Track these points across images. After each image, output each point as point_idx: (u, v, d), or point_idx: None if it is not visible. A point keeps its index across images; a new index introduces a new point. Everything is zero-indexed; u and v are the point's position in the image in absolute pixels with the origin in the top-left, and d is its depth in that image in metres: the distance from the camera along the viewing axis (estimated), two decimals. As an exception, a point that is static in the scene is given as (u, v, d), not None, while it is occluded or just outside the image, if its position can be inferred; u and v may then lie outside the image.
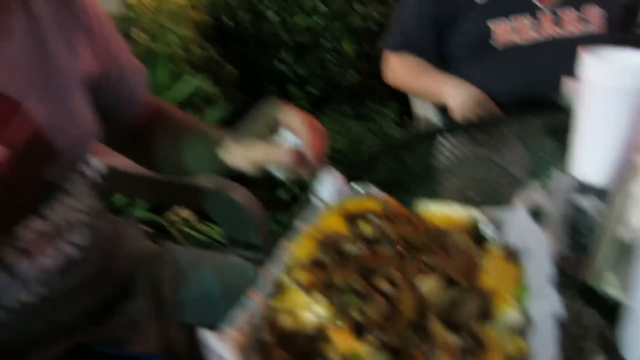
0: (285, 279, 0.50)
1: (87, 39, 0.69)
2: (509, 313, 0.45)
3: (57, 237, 0.67)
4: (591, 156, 0.82)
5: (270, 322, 0.45)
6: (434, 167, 0.96)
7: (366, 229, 0.56)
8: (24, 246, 0.63)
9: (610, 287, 0.57)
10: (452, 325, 0.42)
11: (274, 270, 0.51)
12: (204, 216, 1.81)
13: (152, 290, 0.83)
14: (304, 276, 0.48)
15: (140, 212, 1.68)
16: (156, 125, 0.84)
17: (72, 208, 0.70)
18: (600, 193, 0.77)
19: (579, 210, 0.74)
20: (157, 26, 1.96)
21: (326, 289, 0.47)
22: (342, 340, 0.43)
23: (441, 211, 0.61)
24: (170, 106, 0.89)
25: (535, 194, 0.64)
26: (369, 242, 0.54)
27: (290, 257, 0.52)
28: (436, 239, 0.55)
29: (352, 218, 0.57)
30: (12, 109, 0.59)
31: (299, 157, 0.60)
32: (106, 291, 0.77)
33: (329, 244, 0.53)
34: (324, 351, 0.43)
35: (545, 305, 0.43)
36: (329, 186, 0.63)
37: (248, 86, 2.47)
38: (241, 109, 2.33)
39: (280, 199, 2.02)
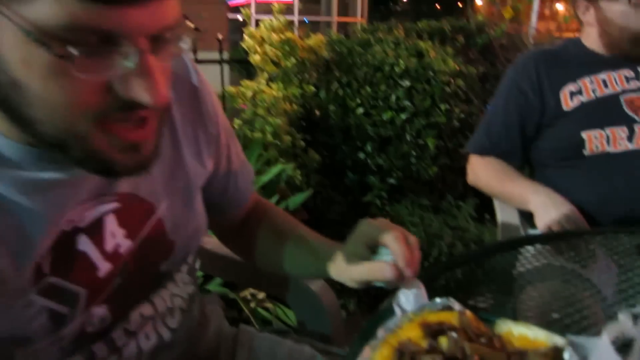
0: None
1: (212, 147, 0.77)
2: None
3: (158, 321, 0.73)
4: None
5: None
6: (514, 277, 0.95)
7: (444, 343, 0.57)
8: (131, 329, 0.70)
9: None
10: None
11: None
12: (275, 297, 1.86)
13: None
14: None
15: (215, 286, 1.76)
16: (259, 222, 0.90)
17: (175, 294, 0.76)
18: None
19: None
20: (253, 115, 2.14)
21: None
22: None
23: (523, 333, 0.61)
24: (274, 206, 0.96)
25: (625, 325, 0.62)
26: (446, 358, 0.55)
27: (369, 364, 0.55)
28: (513, 358, 0.55)
29: (431, 330, 0.59)
30: (150, 212, 0.67)
31: (399, 272, 0.64)
32: None
33: (407, 354, 0.54)
34: None
35: None
36: (411, 296, 0.65)
37: (330, 173, 2.58)
38: (321, 193, 2.44)
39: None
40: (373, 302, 2.18)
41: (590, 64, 1.35)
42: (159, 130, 0.57)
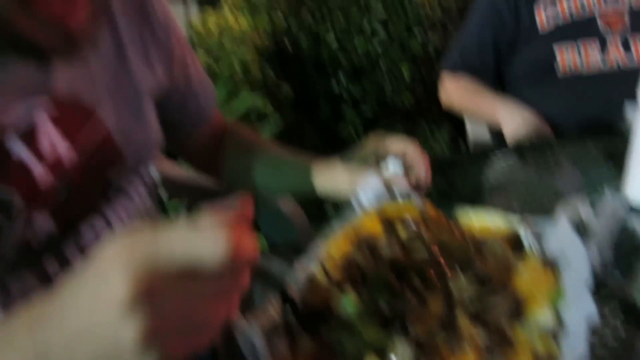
0: (318, 274, 0.51)
1: (163, 54, 0.74)
2: (540, 315, 0.44)
3: None
4: None
5: (300, 305, 0.47)
6: (482, 187, 0.95)
7: (402, 232, 0.56)
8: (84, 243, 0.68)
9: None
10: (481, 323, 0.42)
11: (308, 265, 0.52)
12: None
13: None
14: (336, 272, 0.50)
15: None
16: (225, 141, 0.88)
17: (129, 209, 0.75)
18: None
19: (627, 231, 0.72)
20: (220, 48, 2.06)
21: (357, 286, 0.48)
22: (369, 331, 0.44)
23: (481, 220, 0.61)
24: (242, 125, 0.94)
25: (579, 205, 0.63)
26: (404, 246, 0.54)
27: (324, 254, 0.54)
28: (473, 245, 0.55)
29: (389, 222, 0.58)
30: (85, 117, 0.63)
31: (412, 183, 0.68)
32: None
33: (364, 244, 0.54)
34: (350, 340, 0.44)
35: (580, 311, 0.42)
36: (369, 190, 0.64)
37: (303, 106, 2.53)
38: (295, 128, 2.40)
39: (327, 213, 2.03)
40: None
41: None
42: (90, 8, 0.53)
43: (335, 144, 2.52)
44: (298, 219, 1.05)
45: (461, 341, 0.42)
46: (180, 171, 1.16)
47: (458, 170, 0.98)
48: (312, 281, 0.50)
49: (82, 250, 0.68)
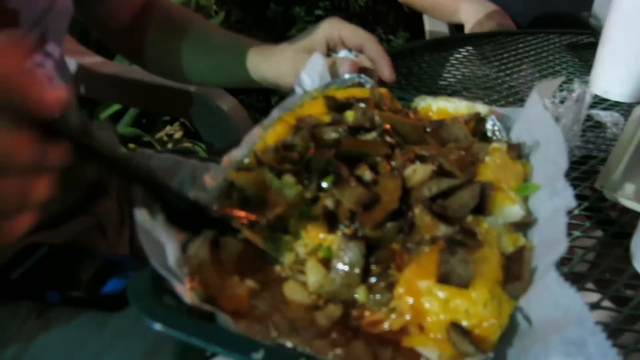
0: (249, 162, 0.42)
1: None
2: (508, 208, 0.38)
3: None
4: (615, 71, 0.79)
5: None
6: (439, 80, 0.87)
7: (350, 116, 0.48)
8: None
9: (626, 199, 0.50)
10: (442, 218, 0.35)
11: (237, 154, 0.43)
12: (192, 135, 1.74)
13: (122, 194, 0.77)
14: (270, 157, 0.41)
15: (126, 128, 1.61)
16: (150, 17, 0.76)
17: None
18: (620, 108, 0.75)
19: (595, 123, 0.68)
20: None
21: (296, 172, 0.40)
22: (310, 230, 0.36)
23: (442, 107, 0.53)
24: (174, 3, 0.81)
25: (554, 87, 0.56)
26: (352, 130, 0.46)
27: (258, 142, 0.45)
28: (431, 129, 0.47)
29: (335, 105, 0.49)
30: None
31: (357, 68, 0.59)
32: (73, 193, 0.70)
33: (304, 128, 0.45)
34: (289, 242, 0.36)
35: (557, 200, 0.36)
36: (314, 72, 0.55)
37: (250, 5, 2.33)
38: (239, 27, 2.21)
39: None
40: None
41: None
42: None
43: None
44: (239, 118, 0.95)
45: (418, 238, 0.35)
46: (106, 64, 1.01)
47: (412, 62, 0.90)
48: (238, 167, 0.41)
49: None
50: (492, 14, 1.17)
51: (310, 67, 0.55)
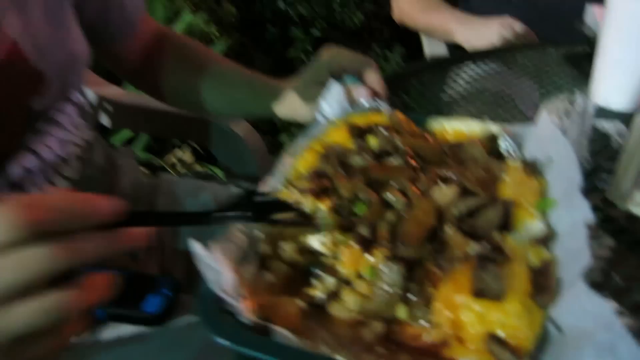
0: (285, 191, 0.45)
1: None
2: (530, 224, 0.41)
3: (49, 171, 0.63)
4: (614, 81, 0.80)
5: (269, 235, 0.41)
6: (440, 98, 0.91)
7: (373, 141, 0.51)
8: (14, 182, 0.59)
9: (637, 207, 0.53)
10: (472, 236, 0.38)
11: (273, 183, 0.46)
12: (202, 158, 1.77)
13: None
14: (305, 185, 0.44)
15: (139, 152, 1.64)
16: (167, 53, 0.79)
17: (64, 141, 0.65)
18: (622, 117, 0.76)
19: (598, 131, 0.71)
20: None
21: (329, 199, 0.43)
22: (351, 254, 0.39)
23: (455, 127, 0.56)
24: (185, 36, 0.84)
25: (558, 113, 0.59)
26: (376, 155, 0.49)
27: (290, 171, 0.48)
28: (450, 151, 0.50)
29: (358, 131, 0.52)
30: None
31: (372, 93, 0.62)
32: None
33: (333, 156, 0.48)
34: (331, 267, 0.39)
35: (574, 214, 0.39)
36: (332, 101, 0.58)
37: (248, 27, 2.37)
38: (239, 50, 2.26)
39: (282, 143, 1.97)
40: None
41: None
42: None
43: (283, 66, 2.41)
44: (254, 144, 0.98)
45: (450, 256, 0.38)
46: (126, 95, 1.05)
47: (415, 82, 0.93)
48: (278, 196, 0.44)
49: (14, 187, 0.59)
50: (486, 28, 1.18)
51: (329, 95, 0.59)
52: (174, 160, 1.76)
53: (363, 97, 0.58)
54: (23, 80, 0.57)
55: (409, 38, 1.61)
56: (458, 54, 1.35)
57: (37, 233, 0.31)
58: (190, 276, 0.74)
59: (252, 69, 0.79)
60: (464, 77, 0.97)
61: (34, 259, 0.31)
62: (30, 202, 0.32)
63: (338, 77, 0.63)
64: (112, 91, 1.03)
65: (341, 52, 0.65)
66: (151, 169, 1.64)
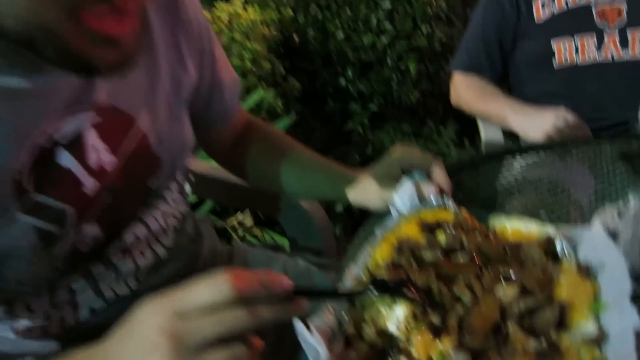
0: (365, 279, 0.53)
1: (194, 50, 0.73)
2: (584, 324, 0.46)
3: (152, 241, 0.73)
4: None
5: (353, 317, 0.49)
6: (497, 188, 0.96)
7: (441, 237, 0.58)
8: (126, 247, 0.70)
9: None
10: (531, 332, 0.44)
11: (355, 271, 0.54)
12: (260, 222, 1.88)
13: None
14: (384, 274, 0.52)
15: (203, 214, 1.76)
16: (253, 139, 0.89)
17: (167, 213, 0.76)
18: None
19: None
20: (230, 41, 2.06)
21: (406, 290, 0.50)
22: (423, 340, 0.46)
23: (515, 226, 0.63)
24: (269, 125, 0.95)
25: (612, 215, 0.65)
26: (445, 251, 0.56)
27: (369, 260, 0.56)
28: (510, 251, 0.57)
29: (427, 227, 0.60)
30: (126, 125, 0.64)
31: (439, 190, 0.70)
32: None
33: (406, 249, 0.56)
34: (406, 349, 0.46)
35: (624, 319, 0.44)
36: (406, 198, 0.66)
37: (310, 101, 2.54)
38: (300, 121, 2.41)
39: (336, 212, 2.06)
40: (357, 225, 2.22)
41: None
42: (139, 24, 0.52)
43: (340, 137, 2.54)
44: (319, 218, 1.07)
45: (511, 349, 0.44)
46: (205, 167, 1.17)
47: (469, 174, 0.98)
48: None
49: (125, 252, 0.69)
50: (540, 118, 1.18)
51: (402, 191, 0.67)
52: (234, 222, 1.88)
53: (432, 194, 0.66)
54: (145, 164, 0.68)
55: (462, 116, 1.69)
56: (512, 144, 1.41)
57: (239, 299, 0.41)
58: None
59: (311, 138, 0.89)
60: (518, 167, 1.01)
61: (233, 318, 0.41)
62: (240, 275, 0.43)
63: (408, 172, 0.71)
64: (197, 164, 1.16)
65: (411, 150, 0.74)
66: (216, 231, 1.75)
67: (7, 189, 0.53)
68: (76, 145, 0.59)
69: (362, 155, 2.50)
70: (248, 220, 1.83)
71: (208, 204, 1.74)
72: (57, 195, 0.57)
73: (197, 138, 0.83)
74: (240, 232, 1.85)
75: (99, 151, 0.61)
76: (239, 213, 1.89)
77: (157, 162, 0.69)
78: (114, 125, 0.62)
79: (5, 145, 0.52)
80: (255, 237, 1.89)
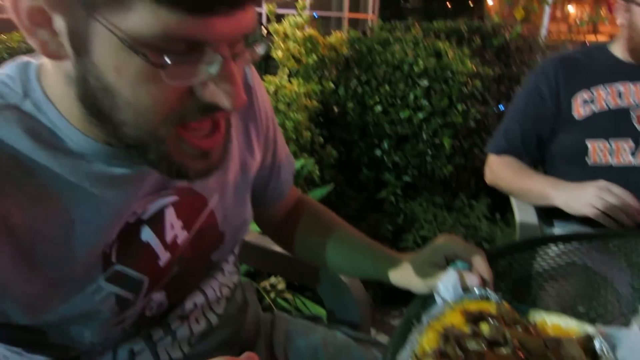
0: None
1: (261, 138, 0.81)
2: None
3: (206, 309, 0.79)
4: None
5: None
6: (532, 274, 0.97)
7: (485, 329, 0.62)
8: (184, 314, 0.75)
9: None
10: None
11: (404, 356, 0.58)
12: (293, 287, 1.91)
13: (268, 354, 0.92)
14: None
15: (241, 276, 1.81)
16: (302, 216, 0.95)
17: (223, 284, 0.82)
18: None
19: None
20: (275, 111, 2.19)
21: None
22: None
23: (554, 321, 0.66)
24: (319, 204, 1.01)
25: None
26: (488, 342, 0.60)
27: (417, 347, 0.60)
28: (550, 346, 0.60)
29: (472, 317, 0.64)
30: (200, 207, 0.71)
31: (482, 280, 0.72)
32: (234, 354, 0.86)
33: (452, 338, 0.60)
34: None
35: None
36: (450, 287, 0.70)
37: (345, 169, 2.62)
38: (337, 189, 2.48)
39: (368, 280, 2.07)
40: (387, 296, 2.23)
41: (610, 72, 1.36)
42: (227, 136, 0.61)
43: (373, 205, 2.59)
44: (357, 291, 1.11)
45: None
46: (255, 237, 1.22)
47: (504, 262, 0.99)
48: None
49: (182, 319, 0.75)
50: (582, 191, 1.18)
51: (446, 279, 0.71)
52: (267, 284, 1.92)
53: (475, 285, 0.70)
54: (211, 239, 0.75)
55: (494, 191, 1.73)
56: (548, 236, 1.42)
57: None
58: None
59: (346, 205, 0.93)
60: (553, 255, 1.02)
61: None
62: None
63: (451, 261, 0.75)
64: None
65: (455, 239, 0.78)
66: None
67: (98, 260, 0.60)
68: (156, 222, 0.66)
69: (394, 224, 2.55)
70: (281, 284, 1.87)
71: (244, 268, 1.80)
72: (136, 266, 0.64)
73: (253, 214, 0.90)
74: (272, 294, 1.88)
75: (174, 227, 0.68)
76: (272, 276, 1.94)
77: (221, 237, 0.76)
78: (189, 204, 0.70)
79: (105, 223, 0.60)
80: (285, 300, 1.92)
